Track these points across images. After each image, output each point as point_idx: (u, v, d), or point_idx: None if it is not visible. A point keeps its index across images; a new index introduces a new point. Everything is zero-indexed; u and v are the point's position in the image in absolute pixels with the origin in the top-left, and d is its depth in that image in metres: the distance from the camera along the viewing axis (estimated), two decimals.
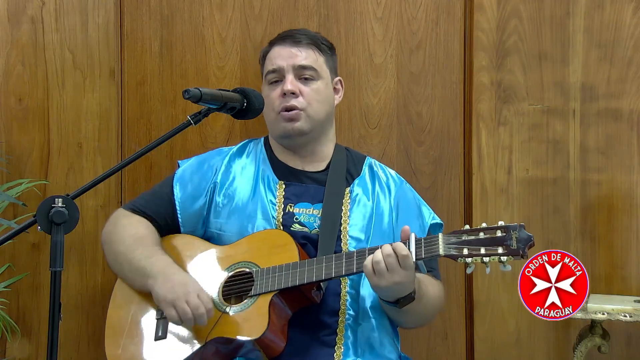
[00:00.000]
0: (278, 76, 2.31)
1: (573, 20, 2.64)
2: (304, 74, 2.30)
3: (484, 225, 1.95)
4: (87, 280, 2.74)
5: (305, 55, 2.31)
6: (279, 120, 2.30)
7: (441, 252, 1.93)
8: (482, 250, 1.90)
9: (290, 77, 2.29)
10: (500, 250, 1.90)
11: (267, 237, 2.20)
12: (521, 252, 1.88)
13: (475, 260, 1.91)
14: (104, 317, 2.64)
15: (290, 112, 2.28)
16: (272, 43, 2.38)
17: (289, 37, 2.34)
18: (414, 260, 1.96)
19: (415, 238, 1.99)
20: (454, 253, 1.93)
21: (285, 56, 2.31)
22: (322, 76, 2.33)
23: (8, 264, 2.69)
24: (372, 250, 2.01)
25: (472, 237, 1.93)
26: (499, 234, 1.91)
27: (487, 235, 1.92)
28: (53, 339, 1.69)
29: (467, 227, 1.96)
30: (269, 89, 2.33)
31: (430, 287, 2.19)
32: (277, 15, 2.72)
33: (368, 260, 1.99)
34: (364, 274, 2.04)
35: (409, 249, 1.97)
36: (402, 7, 2.71)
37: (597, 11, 2.62)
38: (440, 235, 1.96)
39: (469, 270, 1.93)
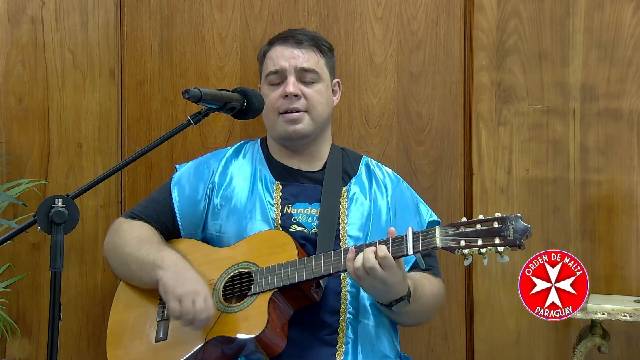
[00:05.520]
0: (279, 77, 2.30)
1: (573, 20, 2.64)
2: (305, 76, 2.29)
3: (481, 217, 1.94)
4: (87, 280, 2.74)
5: (307, 57, 2.30)
6: (280, 122, 2.30)
7: (438, 244, 1.93)
8: (479, 242, 1.90)
9: (292, 79, 2.28)
10: (497, 240, 1.89)
11: (266, 238, 2.20)
12: (518, 242, 1.88)
13: (473, 251, 1.90)
14: (104, 317, 2.65)
15: (293, 114, 2.28)
16: (272, 42, 2.37)
17: (290, 38, 2.33)
18: (412, 253, 1.96)
19: (413, 232, 1.98)
20: (451, 245, 1.92)
21: (287, 57, 2.30)
22: (322, 78, 2.33)
23: (8, 264, 2.69)
24: (370, 245, 2.01)
25: (470, 229, 1.92)
26: (495, 225, 1.91)
27: (484, 227, 1.91)
28: (53, 339, 1.69)
29: (464, 219, 1.96)
30: (269, 89, 2.32)
31: (427, 286, 2.19)
32: (277, 15, 2.72)
33: (350, 265, 1.99)
34: None
35: (406, 242, 1.97)
36: (402, 7, 2.71)
37: (597, 11, 2.62)
38: (437, 227, 1.96)
39: (466, 262, 1.93)
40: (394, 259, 1.97)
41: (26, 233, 1.85)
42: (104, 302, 2.69)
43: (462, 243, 1.91)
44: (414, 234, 1.98)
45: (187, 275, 2.11)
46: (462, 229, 1.93)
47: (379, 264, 1.95)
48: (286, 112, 2.28)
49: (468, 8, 2.69)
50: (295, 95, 2.27)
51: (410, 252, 1.96)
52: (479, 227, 1.92)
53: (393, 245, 1.98)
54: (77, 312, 2.74)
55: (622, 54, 2.62)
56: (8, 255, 2.71)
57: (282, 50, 2.32)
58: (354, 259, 1.99)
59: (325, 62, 2.35)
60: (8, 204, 2.63)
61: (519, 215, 1.90)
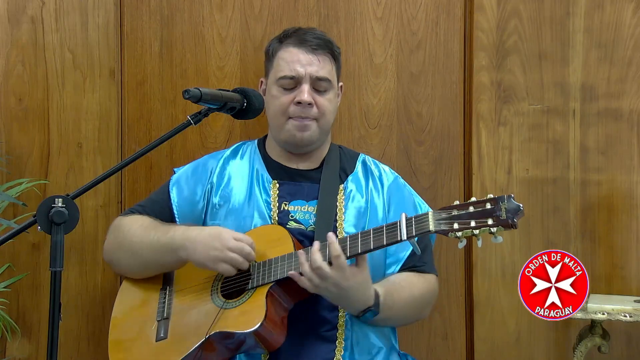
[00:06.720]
0: (293, 83, 2.28)
1: (573, 20, 2.64)
2: (320, 85, 2.28)
3: (473, 199, 1.94)
4: (87, 280, 2.74)
5: (322, 66, 2.28)
6: (288, 127, 2.29)
7: (431, 228, 1.92)
8: (472, 223, 1.89)
9: (307, 88, 2.26)
10: (490, 221, 1.88)
11: (262, 233, 2.21)
12: (510, 221, 1.87)
13: (466, 233, 1.90)
14: (104, 317, 2.66)
15: (304, 122, 2.27)
16: (284, 41, 2.32)
17: (306, 42, 2.29)
18: (406, 238, 1.95)
19: (406, 217, 1.98)
20: (444, 228, 1.91)
21: (303, 63, 2.27)
22: (333, 86, 2.32)
23: (8, 264, 2.69)
24: (364, 234, 2.02)
25: (462, 212, 1.92)
26: (488, 206, 1.90)
27: (477, 209, 1.90)
28: (53, 339, 1.69)
29: (456, 202, 1.95)
30: (279, 91, 2.29)
31: (406, 291, 2.19)
32: (277, 15, 2.72)
33: (306, 268, 2.01)
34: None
35: (399, 228, 1.97)
36: (402, 7, 2.71)
37: (597, 11, 2.62)
38: (430, 212, 1.95)
39: (460, 245, 1.92)
40: (388, 245, 1.98)
41: (26, 233, 1.86)
42: (104, 302, 2.70)
43: (455, 226, 1.90)
44: (407, 220, 1.97)
45: (204, 238, 2.13)
46: (455, 212, 1.92)
47: (330, 262, 1.98)
48: (297, 118, 2.28)
49: (468, 8, 2.69)
50: (309, 104, 2.27)
51: (404, 237, 1.96)
52: (471, 209, 1.91)
53: (387, 231, 1.99)
54: (77, 312, 2.74)
55: (622, 54, 2.62)
56: (8, 255, 2.71)
57: (298, 54, 2.28)
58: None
59: (336, 68, 2.34)
60: (8, 204, 2.63)
61: (511, 195, 1.89)
